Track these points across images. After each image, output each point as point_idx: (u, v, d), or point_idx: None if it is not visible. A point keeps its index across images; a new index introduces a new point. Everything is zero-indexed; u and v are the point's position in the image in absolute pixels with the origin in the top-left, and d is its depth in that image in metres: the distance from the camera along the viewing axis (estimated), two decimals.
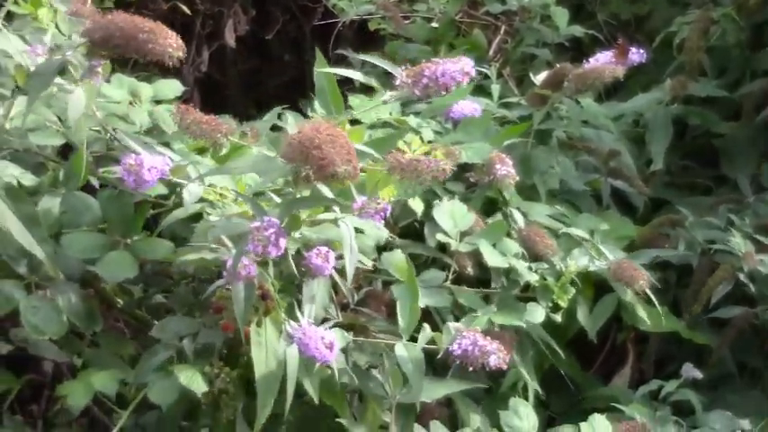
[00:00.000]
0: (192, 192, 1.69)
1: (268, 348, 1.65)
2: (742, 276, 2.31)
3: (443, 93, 1.65)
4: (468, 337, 1.69)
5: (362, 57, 1.80)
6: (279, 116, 1.92)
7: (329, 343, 1.60)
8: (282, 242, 1.56)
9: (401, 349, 1.74)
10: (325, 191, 1.63)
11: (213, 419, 1.78)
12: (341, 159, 1.48)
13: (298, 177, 1.55)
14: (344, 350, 1.85)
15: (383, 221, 1.70)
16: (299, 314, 1.65)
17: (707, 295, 2.32)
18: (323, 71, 1.78)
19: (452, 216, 2.06)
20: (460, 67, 1.63)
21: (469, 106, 2.33)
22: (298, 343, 1.61)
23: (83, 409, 1.92)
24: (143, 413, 1.85)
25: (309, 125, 1.53)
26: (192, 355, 1.74)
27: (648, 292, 2.09)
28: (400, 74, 1.64)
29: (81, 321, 1.78)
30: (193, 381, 1.69)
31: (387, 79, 3.06)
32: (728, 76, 2.84)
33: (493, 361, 1.67)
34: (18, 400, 2.10)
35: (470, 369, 1.69)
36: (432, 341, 1.73)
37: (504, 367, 1.69)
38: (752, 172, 2.71)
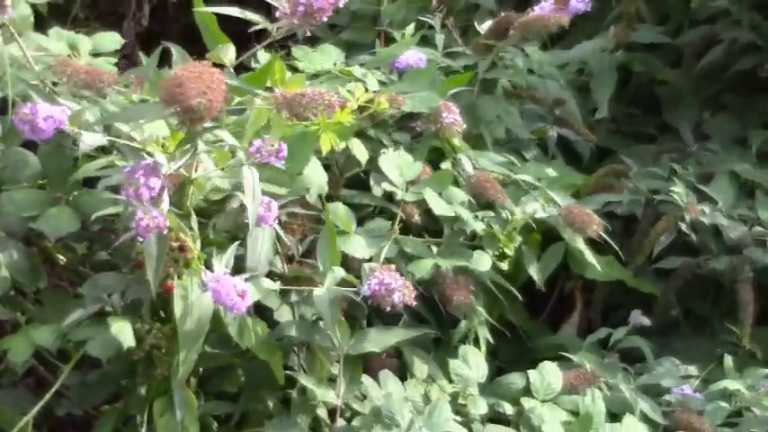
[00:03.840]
0: (86, 140, 1.64)
1: (193, 301, 1.64)
2: (684, 227, 2.32)
3: (319, 19, 1.65)
4: (376, 276, 1.68)
5: None
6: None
7: (241, 291, 1.57)
8: (154, 182, 1.54)
9: (320, 290, 1.74)
10: (226, 136, 1.62)
11: (148, 376, 1.77)
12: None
13: (180, 121, 1.53)
14: (291, 303, 1.84)
15: (281, 162, 1.66)
16: (215, 263, 1.62)
17: (650, 246, 2.33)
18: (200, 10, 1.78)
19: (399, 166, 2.05)
20: None
21: (414, 56, 2.33)
22: (211, 291, 1.59)
23: (28, 368, 1.91)
24: (88, 371, 1.83)
25: (184, 65, 1.53)
26: (120, 310, 1.72)
27: (604, 235, 2.10)
28: (282, 5, 1.64)
29: (24, 278, 1.76)
30: (123, 332, 1.68)
31: (330, 31, 3.06)
32: (669, 25, 2.84)
33: (396, 298, 1.66)
34: None
35: (387, 309, 1.69)
36: (348, 282, 1.74)
37: (412, 303, 1.68)
38: (694, 120, 2.72)
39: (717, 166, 2.50)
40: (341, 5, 1.65)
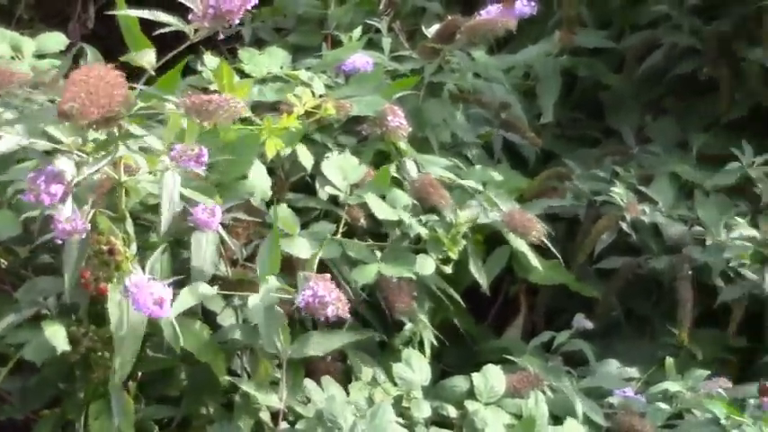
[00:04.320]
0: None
1: (126, 305, 1.62)
2: (625, 226, 2.35)
3: (231, 21, 1.64)
4: (311, 288, 1.67)
5: None
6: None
7: (159, 299, 1.55)
8: (56, 189, 1.54)
9: (254, 299, 1.73)
10: (151, 140, 1.63)
11: (85, 379, 1.76)
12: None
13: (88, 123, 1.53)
14: (234, 306, 1.84)
15: (203, 167, 1.66)
16: (136, 267, 1.62)
17: (590, 245, 2.35)
18: (122, 13, 1.76)
19: (342, 169, 2.04)
20: None
21: (361, 59, 2.33)
22: (131, 297, 1.57)
23: None
24: (28, 376, 1.83)
25: (80, 69, 1.54)
26: (55, 313, 1.71)
27: (545, 240, 2.11)
28: (197, 7, 1.64)
29: None
30: (56, 335, 1.67)
31: (276, 35, 3.06)
32: (611, 30, 2.86)
33: (330, 311, 1.66)
34: None
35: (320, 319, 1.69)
36: (285, 291, 1.73)
37: (346, 316, 1.68)
38: (636, 123, 2.75)
39: (658, 168, 2.54)
40: (249, 7, 1.65)
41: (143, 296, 1.55)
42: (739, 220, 2.37)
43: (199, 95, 1.61)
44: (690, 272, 2.30)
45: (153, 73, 1.70)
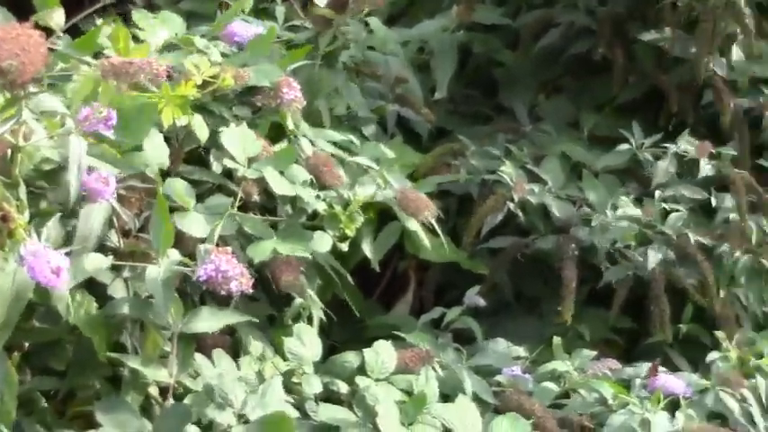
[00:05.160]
0: None
1: (13, 274, 1.57)
2: (512, 206, 2.36)
3: None
4: (213, 262, 1.65)
5: None
6: None
7: (56, 268, 1.51)
8: None
9: (152, 271, 1.69)
10: (53, 102, 1.59)
11: None
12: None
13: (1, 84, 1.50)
14: (125, 278, 1.80)
15: (111, 131, 1.62)
16: (33, 236, 1.57)
17: (477, 225, 2.36)
18: None
19: (241, 141, 2.00)
20: None
21: (252, 30, 2.27)
22: (26, 265, 1.52)
23: None
24: None
25: (5, 27, 1.49)
26: None
27: (433, 222, 2.10)
28: None
29: None
30: None
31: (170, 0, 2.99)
32: (508, 7, 2.87)
33: (234, 287, 1.64)
34: None
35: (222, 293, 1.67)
36: (184, 264, 1.70)
37: (249, 291, 1.67)
38: (529, 101, 2.76)
39: (549, 148, 2.55)
40: None
41: (40, 265, 1.51)
42: (624, 199, 2.39)
43: (118, 58, 1.56)
44: (576, 252, 2.33)
45: (60, 34, 1.66)
